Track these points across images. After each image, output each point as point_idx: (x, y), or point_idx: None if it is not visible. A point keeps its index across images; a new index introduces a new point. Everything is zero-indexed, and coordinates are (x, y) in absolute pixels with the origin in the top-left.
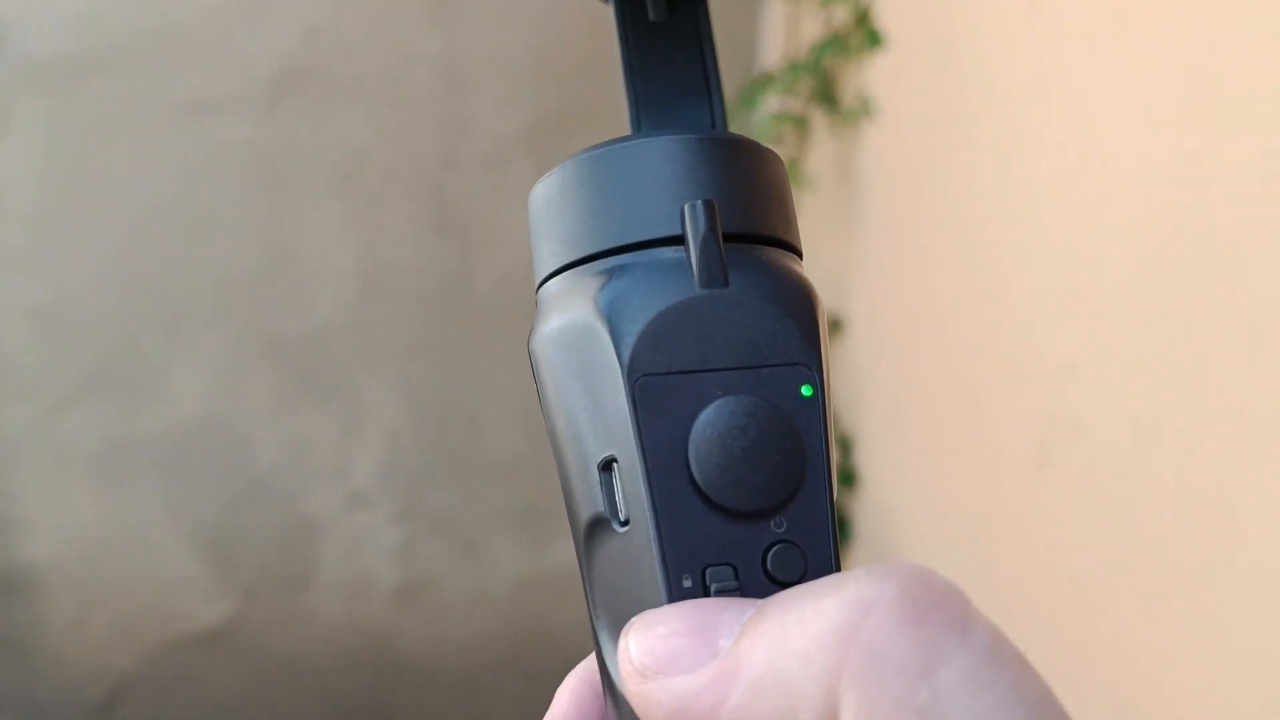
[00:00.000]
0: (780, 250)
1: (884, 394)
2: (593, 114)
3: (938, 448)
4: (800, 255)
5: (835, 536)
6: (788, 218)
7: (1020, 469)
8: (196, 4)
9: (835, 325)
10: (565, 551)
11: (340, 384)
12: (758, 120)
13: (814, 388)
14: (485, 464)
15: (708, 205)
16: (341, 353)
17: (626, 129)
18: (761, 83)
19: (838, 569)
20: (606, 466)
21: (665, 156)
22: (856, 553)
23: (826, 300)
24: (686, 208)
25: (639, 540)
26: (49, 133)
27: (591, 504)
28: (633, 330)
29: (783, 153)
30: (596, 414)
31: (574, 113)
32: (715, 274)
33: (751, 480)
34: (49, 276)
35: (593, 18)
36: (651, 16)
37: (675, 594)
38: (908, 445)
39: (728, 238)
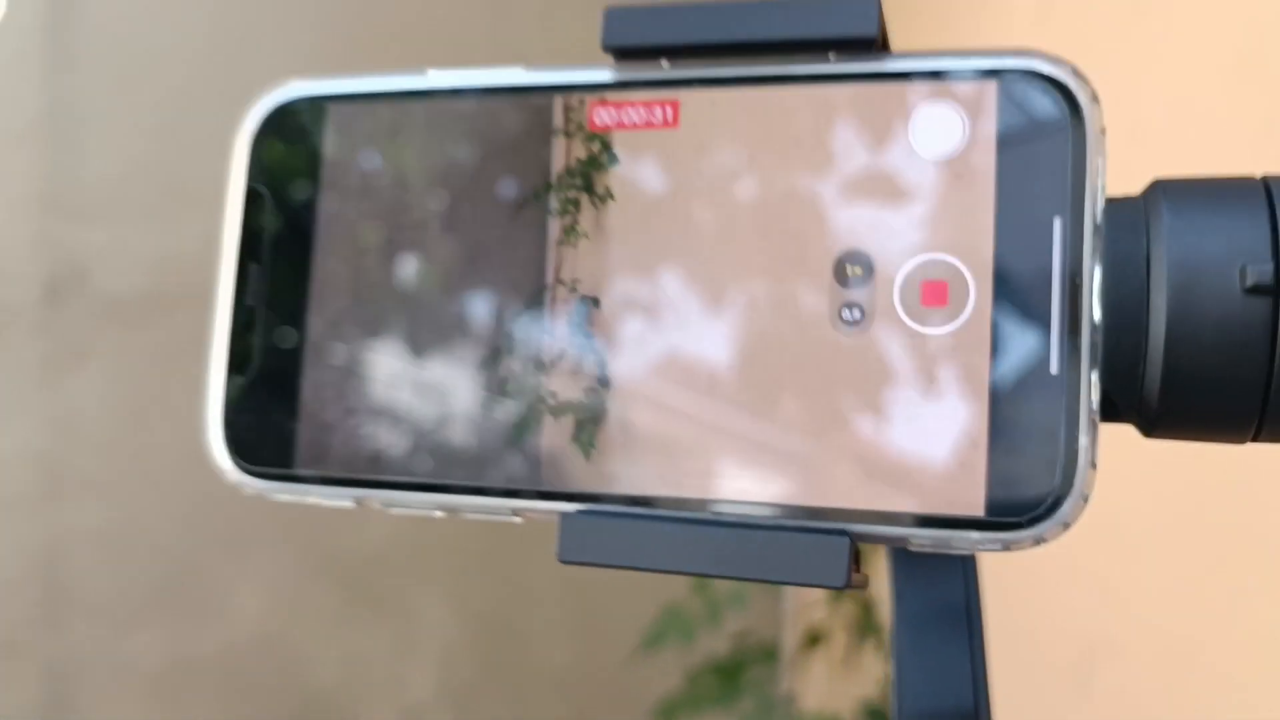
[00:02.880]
0: None
1: None
2: None
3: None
4: None
5: None
6: None
7: (1062, 687)
8: None
9: None
10: None
11: (394, 599)
12: None
13: None
14: (536, 676)
15: None
16: (395, 568)
17: None
18: None
19: None
20: None
21: None
22: None
23: None
24: None
25: None
26: (121, 365)
27: None
28: None
29: None
30: None
31: None
32: None
33: None
34: (116, 500)
35: None
36: None
37: None
38: None
39: None
